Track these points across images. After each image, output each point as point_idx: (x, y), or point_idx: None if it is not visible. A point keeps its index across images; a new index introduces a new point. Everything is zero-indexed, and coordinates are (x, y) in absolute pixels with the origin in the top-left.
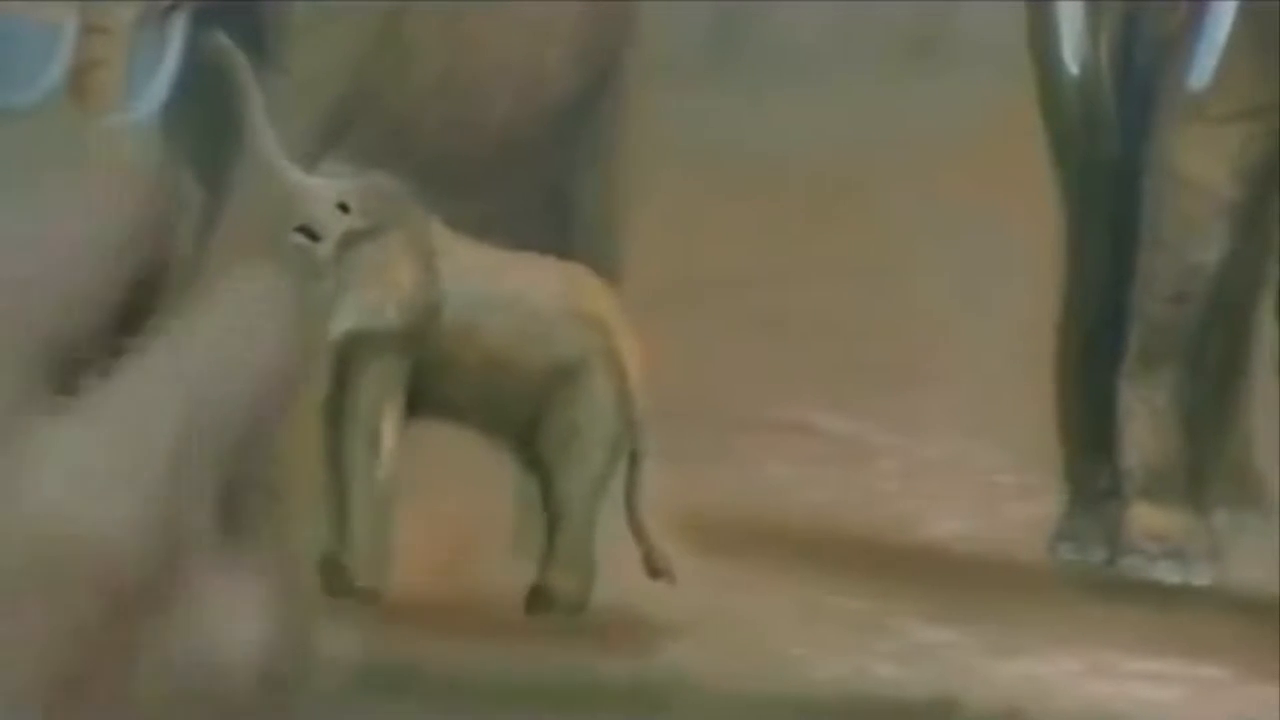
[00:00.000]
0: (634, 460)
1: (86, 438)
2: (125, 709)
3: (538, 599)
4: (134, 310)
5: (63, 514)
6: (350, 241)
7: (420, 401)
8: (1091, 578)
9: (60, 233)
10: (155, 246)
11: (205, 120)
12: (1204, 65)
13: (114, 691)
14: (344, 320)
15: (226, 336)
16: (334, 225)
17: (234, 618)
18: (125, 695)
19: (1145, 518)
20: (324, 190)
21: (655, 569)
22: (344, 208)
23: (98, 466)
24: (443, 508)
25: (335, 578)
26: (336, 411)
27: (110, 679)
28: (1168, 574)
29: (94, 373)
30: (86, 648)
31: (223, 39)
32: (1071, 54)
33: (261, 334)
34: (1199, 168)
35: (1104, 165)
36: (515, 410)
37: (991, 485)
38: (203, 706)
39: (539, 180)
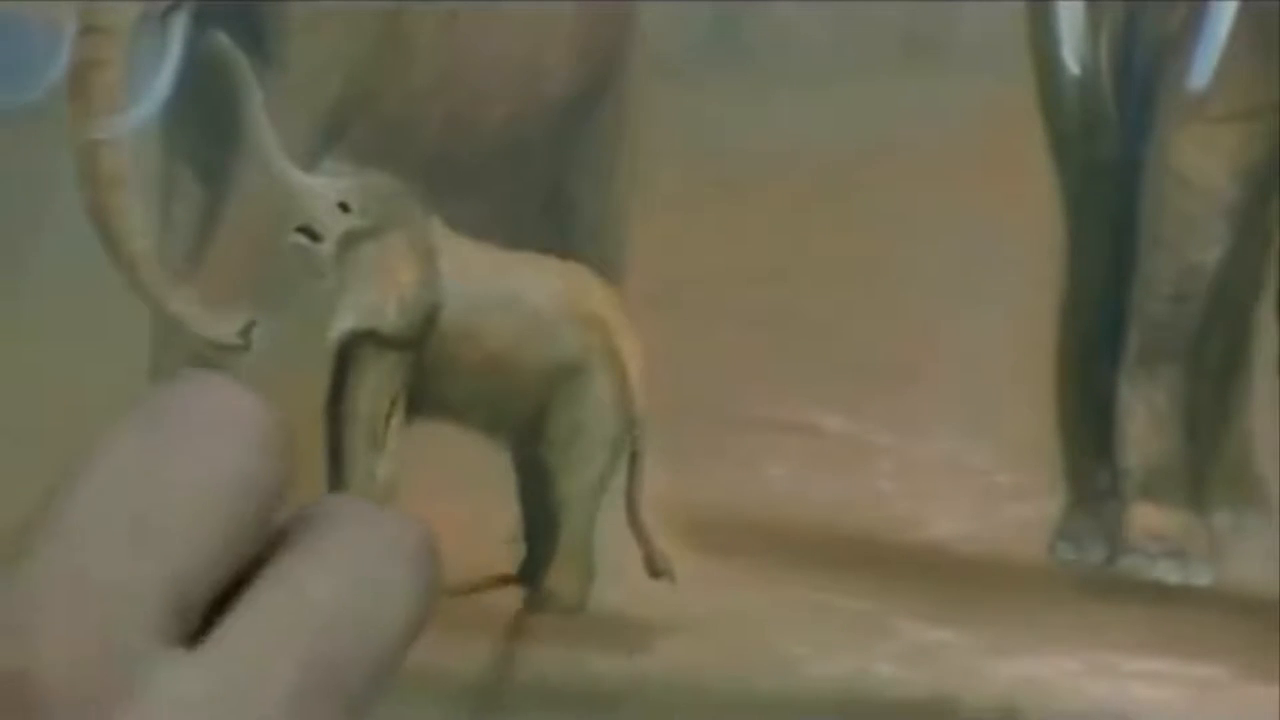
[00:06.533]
0: (634, 460)
1: (202, 688)
2: None
3: (537, 598)
4: (250, 567)
5: None
6: (351, 241)
7: (420, 401)
8: (1091, 578)
9: (185, 478)
10: (278, 493)
11: (205, 120)
12: (1204, 65)
13: None
14: (345, 320)
15: (353, 590)
16: (334, 225)
17: None
18: None
19: (1145, 517)
20: (324, 190)
21: (656, 569)
22: (344, 207)
23: (211, 716)
24: (443, 508)
25: None
26: (337, 411)
27: None
28: (1168, 574)
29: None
30: None
31: (223, 39)
32: (1071, 54)
33: (389, 591)
34: (1199, 167)
35: (1104, 165)
36: (516, 410)
37: (991, 485)
38: None
39: (539, 180)
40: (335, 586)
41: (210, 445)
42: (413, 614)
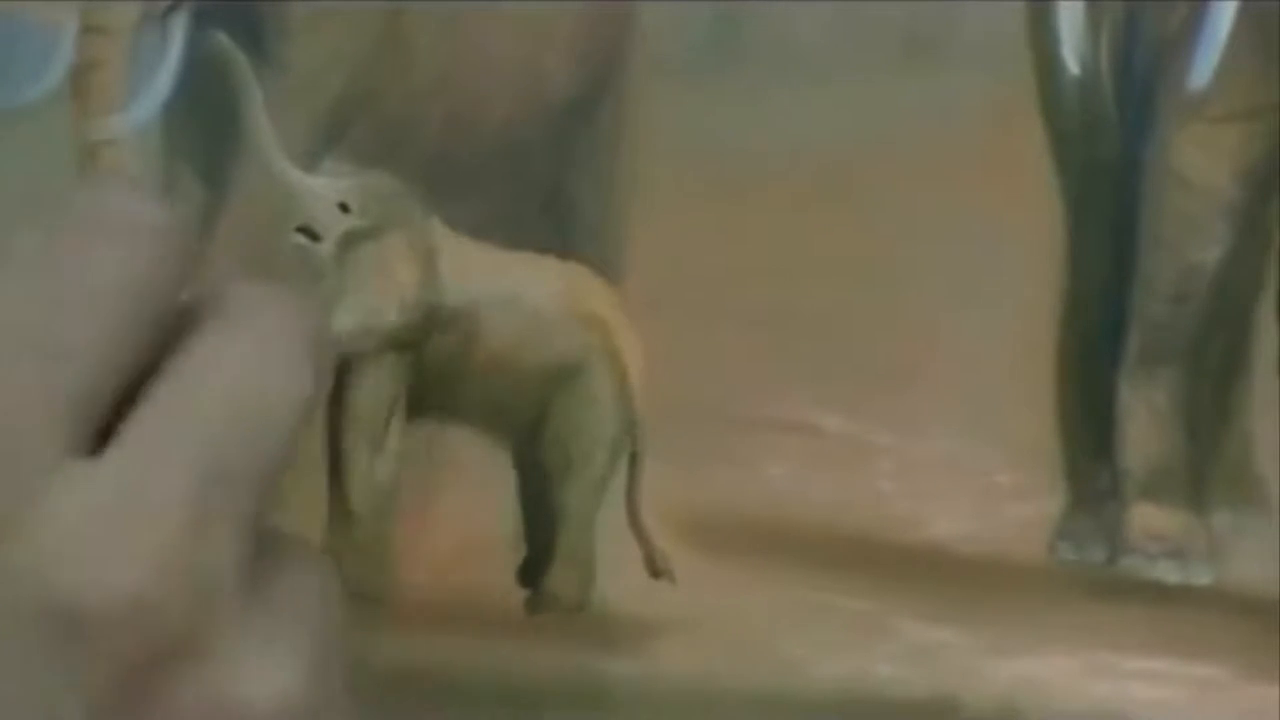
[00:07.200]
0: (634, 460)
1: (98, 495)
2: None
3: (538, 599)
4: (154, 365)
5: (74, 580)
6: (351, 241)
7: (420, 402)
8: (1091, 578)
9: (81, 285)
10: (174, 295)
11: (205, 120)
12: (1204, 65)
13: None
14: (344, 320)
15: (244, 390)
16: (334, 225)
17: (267, 663)
18: None
19: (1145, 518)
20: (324, 190)
21: (656, 569)
22: (344, 207)
23: (111, 524)
24: (443, 508)
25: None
26: (337, 411)
27: None
28: (1168, 574)
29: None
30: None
31: (223, 39)
32: (1071, 54)
33: (281, 387)
34: (1199, 168)
35: (1104, 165)
36: (516, 410)
37: (991, 485)
38: None
39: (539, 180)
40: (232, 380)
41: (106, 250)
42: (303, 405)
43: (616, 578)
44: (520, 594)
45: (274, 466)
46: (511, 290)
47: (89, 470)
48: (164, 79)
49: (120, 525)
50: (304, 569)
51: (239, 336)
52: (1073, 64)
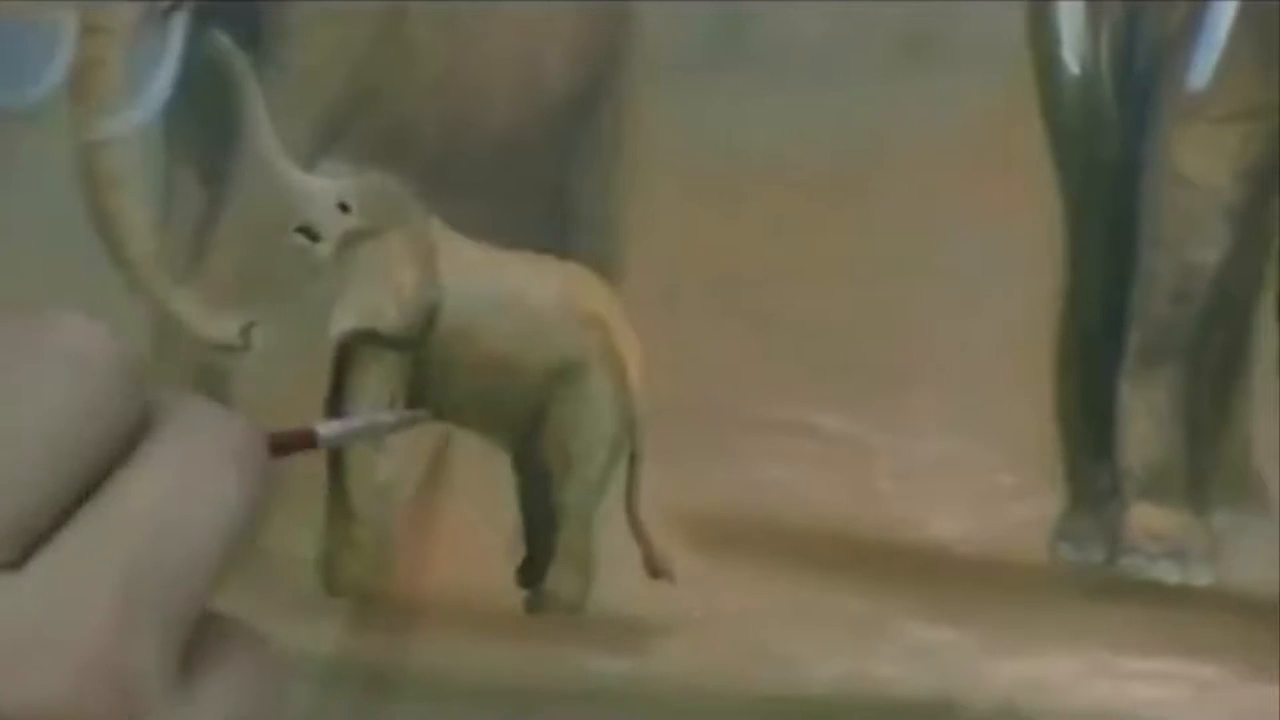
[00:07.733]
0: (633, 461)
1: (20, 602)
2: None
3: (538, 599)
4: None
5: None
6: (351, 241)
7: (420, 401)
8: (1091, 578)
9: (24, 415)
10: (119, 420)
11: (205, 120)
12: (1204, 65)
13: None
14: (344, 320)
15: (174, 498)
16: (334, 225)
17: None
18: None
19: (1145, 518)
20: (324, 190)
21: (656, 569)
22: (344, 207)
23: (34, 630)
24: (443, 508)
25: (335, 578)
26: (337, 411)
27: None
28: (1168, 574)
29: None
30: None
31: (223, 39)
32: (1071, 54)
33: (212, 497)
34: (1199, 167)
35: (1104, 165)
36: (515, 410)
37: (991, 485)
38: None
39: (539, 180)
40: (156, 496)
41: (53, 379)
42: (238, 516)
43: (616, 578)
44: (520, 594)
45: (205, 574)
46: (511, 290)
47: (12, 580)
48: (164, 79)
49: (43, 631)
50: (241, 659)
51: (165, 454)
52: (1073, 64)
